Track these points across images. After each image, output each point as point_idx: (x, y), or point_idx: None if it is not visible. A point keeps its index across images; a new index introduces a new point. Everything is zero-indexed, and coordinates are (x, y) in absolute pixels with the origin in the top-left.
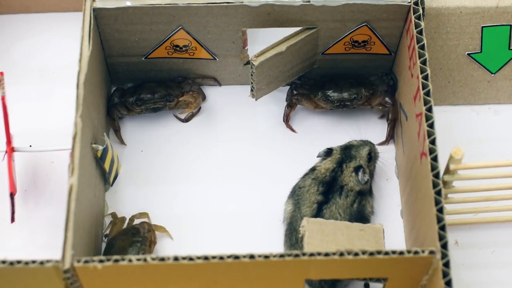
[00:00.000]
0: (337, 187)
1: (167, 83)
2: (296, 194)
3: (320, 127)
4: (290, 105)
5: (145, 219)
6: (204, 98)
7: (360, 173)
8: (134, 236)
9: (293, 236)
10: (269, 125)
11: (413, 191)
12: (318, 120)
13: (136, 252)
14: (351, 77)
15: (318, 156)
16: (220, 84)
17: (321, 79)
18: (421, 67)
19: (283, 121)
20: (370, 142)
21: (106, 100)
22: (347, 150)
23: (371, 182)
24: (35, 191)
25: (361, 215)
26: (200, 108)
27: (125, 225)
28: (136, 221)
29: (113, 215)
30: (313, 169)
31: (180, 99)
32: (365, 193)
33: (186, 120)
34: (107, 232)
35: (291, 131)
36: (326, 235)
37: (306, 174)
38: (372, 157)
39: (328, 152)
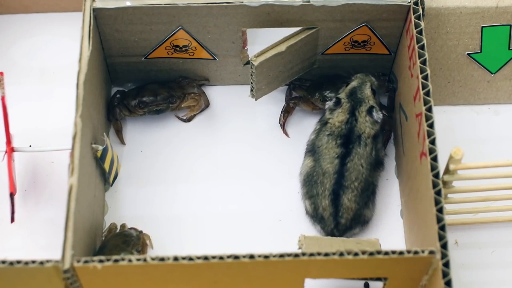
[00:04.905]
0: (355, 137)
1: (168, 84)
2: (315, 152)
3: None
4: (287, 110)
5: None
6: (207, 104)
7: (374, 114)
8: (126, 237)
9: (313, 189)
10: (269, 125)
11: (413, 191)
12: (316, 120)
13: (131, 248)
14: (348, 78)
15: (327, 108)
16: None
17: (319, 79)
18: (421, 67)
19: (279, 123)
20: (364, 75)
21: (106, 100)
22: (353, 95)
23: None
24: (35, 191)
25: (377, 161)
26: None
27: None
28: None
29: (112, 224)
30: (324, 123)
31: (183, 105)
32: (378, 135)
33: (188, 120)
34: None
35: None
36: (323, 247)
37: (319, 131)
38: (374, 90)
39: (337, 101)
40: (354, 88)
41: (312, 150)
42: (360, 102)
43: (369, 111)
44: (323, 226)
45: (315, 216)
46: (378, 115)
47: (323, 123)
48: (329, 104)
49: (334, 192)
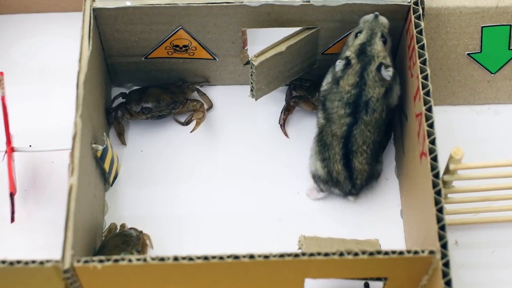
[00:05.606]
0: (362, 104)
1: (170, 89)
2: (326, 110)
3: None
4: (288, 109)
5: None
6: (211, 105)
7: (382, 71)
8: (126, 237)
9: (325, 152)
10: (269, 125)
11: (413, 191)
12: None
13: (131, 248)
14: None
15: (338, 70)
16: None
17: (319, 79)
18: (421, 67)
19: (279, 123)
20: (374, 20)
21: (106, 100)
22: (363, 54)
23: (394, 61)
24: (35, 191)
25: (389, 112)
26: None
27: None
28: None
29: (112, 224)
30: (336, 82)
31: (192, 118)
32: (390, 89)
33: (187, 123)
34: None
35: (292, 132)
36: (323, 247)
37: (330, 89)
38: (386, 37)
39: (347, 63)
40: (363, 45)
41: (324, 107)
42: (370, 61)
43: (378, 69)
44: (340, 188)
45: (330, 180)
46: (387, 73)
47: (335, 80)
48: (339, 66)
49: (344, 156)
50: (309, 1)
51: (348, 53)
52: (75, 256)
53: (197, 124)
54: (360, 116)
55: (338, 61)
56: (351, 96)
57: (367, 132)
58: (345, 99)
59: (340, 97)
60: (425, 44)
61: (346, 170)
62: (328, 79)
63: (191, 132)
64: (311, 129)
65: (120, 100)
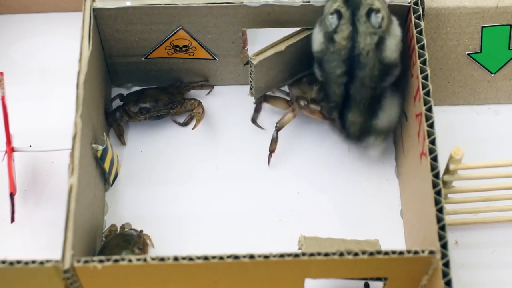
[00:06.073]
0: (356, 59)
1: (168, 89)
2: (325, 72)
3: (319, 128)
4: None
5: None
6: (212, 86)
7: (372, 17)
8: (127, 236)
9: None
10: (269, 125)
11: (413, 191)
12: (316, 121)
13: (132, 246)
14: None
15: (330, 25)
16: (212, 86)
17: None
18: (421, 67)
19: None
20: None
21: (106, 100)
22: (350, 1)
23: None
24: (35, 191)
25: (386, 67)
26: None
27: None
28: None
29: (113, 226)
30: (331, 40)
31: (192, 114)
32: (383, 40)
33: (185, 124)
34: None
35: (295, 130)
36: (323, 247)
37: (326, 48)
38: None
39: (339, 15)
40: None
41: (321, 67)
42: (358, 5)
43: (368, 15)
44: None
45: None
46: (376, 19)
47: (329, 38)
48: (333, 21)
49: (341, 109)
50: (309, 1)
51: (335, 5)
52: (75, 256)
53: (198, 121)
54: (355, 73)
55: (330, 16)
56: (346, 53)
57: (363, 88)
58: (342, 55)
59: (338, 55)
60: (425, 44)
61: (340, 122)
62: (319, 38)
63: (192, 129)
64: (311, 129)
65: (118, 102)
